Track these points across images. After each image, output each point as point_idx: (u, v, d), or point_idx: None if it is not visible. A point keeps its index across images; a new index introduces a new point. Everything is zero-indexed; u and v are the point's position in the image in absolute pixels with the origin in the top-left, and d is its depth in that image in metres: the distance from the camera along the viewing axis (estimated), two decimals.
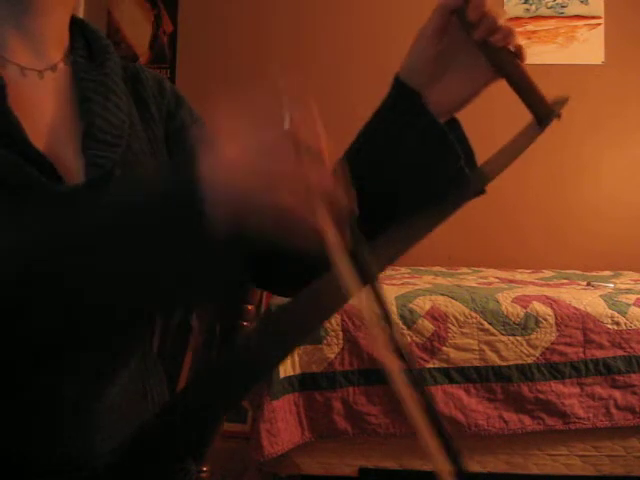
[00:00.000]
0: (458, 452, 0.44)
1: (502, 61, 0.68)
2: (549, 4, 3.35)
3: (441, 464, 0.41)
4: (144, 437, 0.44)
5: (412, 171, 0.70)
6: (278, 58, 3.43)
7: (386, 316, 0.49)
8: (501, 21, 0.66)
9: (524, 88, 0.69)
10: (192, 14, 3.53)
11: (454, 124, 0.72)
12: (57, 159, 0.66)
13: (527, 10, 3.33)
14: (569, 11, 3.34)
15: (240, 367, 0.44)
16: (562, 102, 0.72)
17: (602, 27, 3.31)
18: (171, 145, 0.80)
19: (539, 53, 3.30)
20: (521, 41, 0.68)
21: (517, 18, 3.32)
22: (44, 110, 0.70)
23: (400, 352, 0.47)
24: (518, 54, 0.68)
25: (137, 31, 3.54)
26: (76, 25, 0.76)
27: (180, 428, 0.43)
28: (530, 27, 3.33)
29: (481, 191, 0.70)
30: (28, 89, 0.69)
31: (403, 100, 0.70)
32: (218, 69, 3.43)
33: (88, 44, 0.76)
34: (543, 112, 0.70)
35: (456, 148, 0.70)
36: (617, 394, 2.00)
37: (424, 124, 0.69)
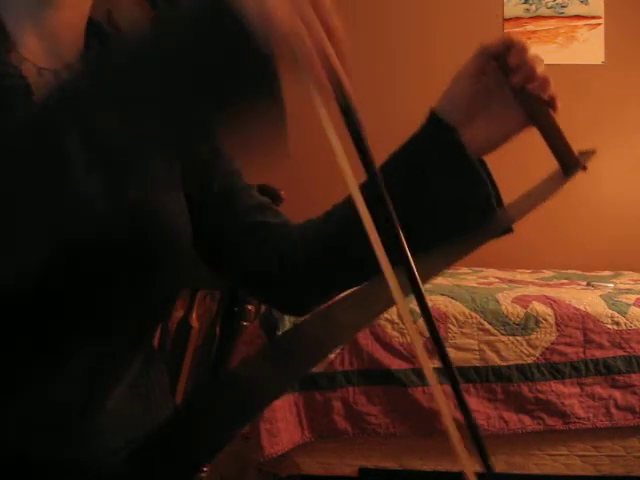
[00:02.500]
0: (487, 453, 0.44)
1: (535, 109, 0.71)
2: (549, 4, 3.35)
3: (467, 464, 0.41)
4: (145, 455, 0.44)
5: (441, 203, 0.73)
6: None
7: (427, 314, 0.49)
8: (539, 70, 0.68)
9: (554, 137, 0.72)
10: None
11: (482, 165, 0.74)
12: None
13: (527, 10, 3.33)
14: (569, 11, 3.33)
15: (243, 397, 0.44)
16: (589, 154, 0.75)
17: (602, 27, 3.31)
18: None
19: (539, 53, 3.29)
20: (553, 90, 0.70)
21: (517, 18, 3.32)
22: None
23: (441, 353, 0.47)
24: (551, 104, 0.70)
25: None
26: (91, 26, 0.75)
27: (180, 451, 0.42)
28: (530, 27, 3.33)
29: (508, 230, 0.73)
30: (44, 89, 0.68)
31: (439, 134, 0.72)
32: None
33: (102, 46, 0.76)
34: (570, 162, 0.73)
35: (487, 186, 0.72)
36: (617, 394, 2.00)
37: (459, 159, 0.71)
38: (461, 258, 0.65)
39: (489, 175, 0.73)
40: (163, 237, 0.71)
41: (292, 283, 0.82)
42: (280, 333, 1.97)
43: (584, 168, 0.74)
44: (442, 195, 0.72)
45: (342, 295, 0.61)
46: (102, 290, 0.67)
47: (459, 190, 0.72)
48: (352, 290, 0.58)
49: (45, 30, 0.69)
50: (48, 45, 0.70)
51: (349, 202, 0.77)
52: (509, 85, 0.70)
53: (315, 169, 3.37)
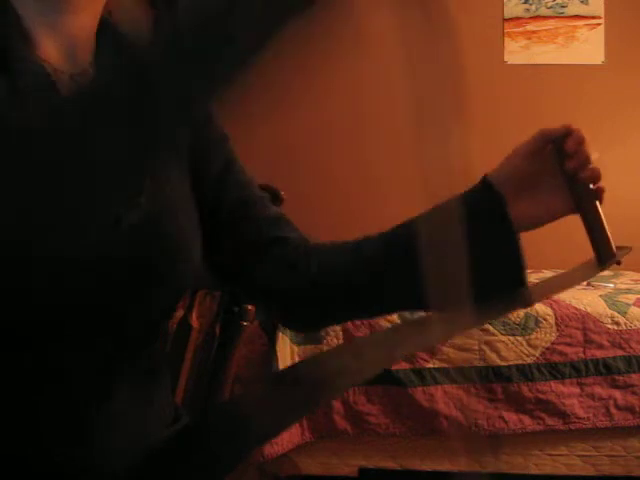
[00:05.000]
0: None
1: (583, 197, 0.73)
2: (549, 4, 3.34)
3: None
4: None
5: (473, 267, 0.73)
6: (279, 58, 3.43)
7: None
8: (593, 160, 0.71)
9: (595, 228, 0.75)
10: None
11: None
12: None
13: (527, 10, 3.33)
14: (569, 11, 3.33)
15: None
16: (625, 250, 0.77)
17: (602, 27, 3.31)
18: (196, 158, 0.79)
19: (539, 53, 3.30)
20: (593, 168, 0.72)
21: (517, 18, 3.32)
22: None
23: None
24: (598, 195, 0.73)
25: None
26: (104, 27, 0.74)
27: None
28: (530, 27, 3.32)
29: (528, 305, 0.74)
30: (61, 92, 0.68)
31: (488, 200, 0.73)
32: None
33: (118, 48, 0.75)
34: (606, 255, 0.76)
35: (522, 262, 0.73)
36: (617, 394, 2.00)
37: (502, 230, 0.73)
38: (478, 325, 0.66)
39: (521, 251, 0.74)
40: (173, 255, 0.71)
41: (302, 303, 0.82)
42: (278, 335, 1.97)
43: (619, 263, 0.76)
44: (476, 259, 0.73)
45: (369, 334, 0.61)
46: (108, 299, 0.67)
47: (494, 259, 0.73)
48: (375, 333, 0.58)
49: (60, 34, 0.69)
50: (63, 48, 0.70)
51: (386, 239, 0.78)
52: (562, 170, 0.72)
53: (315, 169, 3.37)
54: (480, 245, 0.72)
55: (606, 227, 0.75)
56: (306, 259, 0.81)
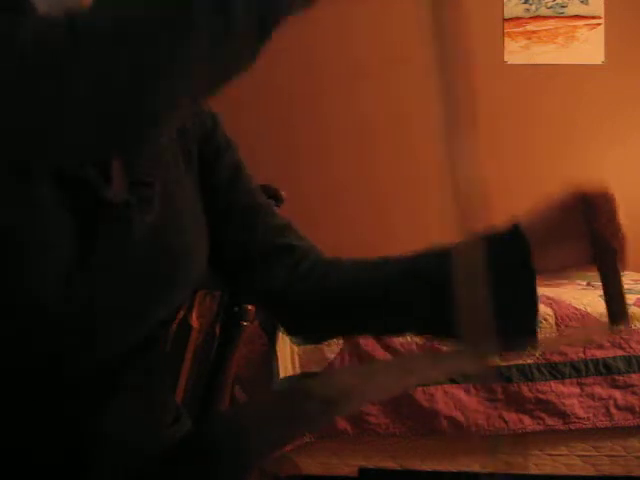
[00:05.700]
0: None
1: (605, 256, 0.74)
2: (549, 4, 3.34)
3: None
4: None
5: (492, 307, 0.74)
6: (279, 57, 3.43)
7: None
8: (620, 220, 0.74)
9: (612, 289, 0.75)
10: None
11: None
12: None
13: (527, 10, 3.33)
14: (569, 11, 3.33)
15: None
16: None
17: (602, 27, 3.31)
18: (204, 165, 0.79)
19: (539, 53, 3.30)
20: (615, 215, 0.75)
21: (517, 18, 3.32)
22: None
23: None
24: (620, 256, 0.74)
25: None
26: None
27: None
28: (530, 27, 3.32)
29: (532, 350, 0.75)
30: None
31: (516, 246, 0.75)
32: None
33: None
34: (618, 314, 0.76)
35: (536, 311, 0.74)
36: (617, 394, 2.00)
37: (524, 276, 0.74)
38: (484, 363, 0.66)
39: (537, 303, 0.76)
40: (179, 264, 0.71)
41: (309, 314, 0.82)
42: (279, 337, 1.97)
43: (628, 323, 0.77)
44: (493, 300, 0.74)
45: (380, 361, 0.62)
46: (109, 302, 0.67)
47: (509, 303, 0.73)
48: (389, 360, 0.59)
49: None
50: None
51: (409, 265, 0.78)
52: (588, 226, 0.74)
53: (315, 168, 3.37)
54: (499, 287, 0.72)
55: (622, 287, 0.75)
56: (319, 270, 0.81)
